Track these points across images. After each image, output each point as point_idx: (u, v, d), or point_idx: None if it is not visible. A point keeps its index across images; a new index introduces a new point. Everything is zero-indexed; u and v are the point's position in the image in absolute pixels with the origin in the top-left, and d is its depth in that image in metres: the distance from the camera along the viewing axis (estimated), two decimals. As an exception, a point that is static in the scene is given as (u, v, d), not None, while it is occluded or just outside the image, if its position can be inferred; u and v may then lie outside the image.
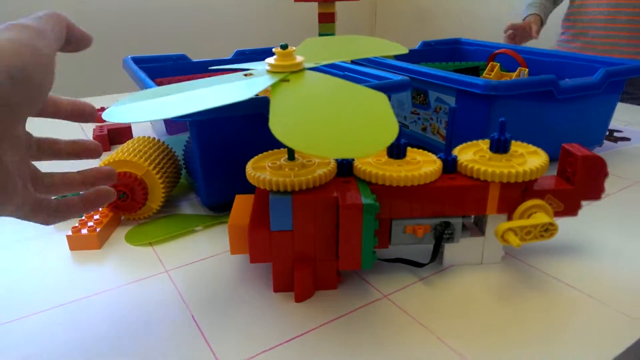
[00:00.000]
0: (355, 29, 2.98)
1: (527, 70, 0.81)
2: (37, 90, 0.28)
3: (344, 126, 0.33)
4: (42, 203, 0.35)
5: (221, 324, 0.40)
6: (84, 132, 0.94)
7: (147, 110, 0.37)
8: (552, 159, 0.48)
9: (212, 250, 0.51)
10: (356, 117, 0.34)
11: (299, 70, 0.39)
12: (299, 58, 0.39)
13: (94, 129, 0.86)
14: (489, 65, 0.84)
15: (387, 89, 0.58)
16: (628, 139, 0.85)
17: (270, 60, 0.39)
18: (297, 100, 0.35)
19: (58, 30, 0.31)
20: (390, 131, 0.32)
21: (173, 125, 0.64)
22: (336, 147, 0.31)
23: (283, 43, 0.39)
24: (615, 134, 0.88)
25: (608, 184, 0.53)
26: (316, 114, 0.34)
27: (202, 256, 0.50)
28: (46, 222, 0.36)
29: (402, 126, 0.81)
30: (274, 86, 0.37)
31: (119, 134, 0.84)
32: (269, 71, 0.39)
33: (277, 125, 0.32)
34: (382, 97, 0.36)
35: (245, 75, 0.41)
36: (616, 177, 0.68)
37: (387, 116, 0.34)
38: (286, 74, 0.38)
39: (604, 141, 0.83)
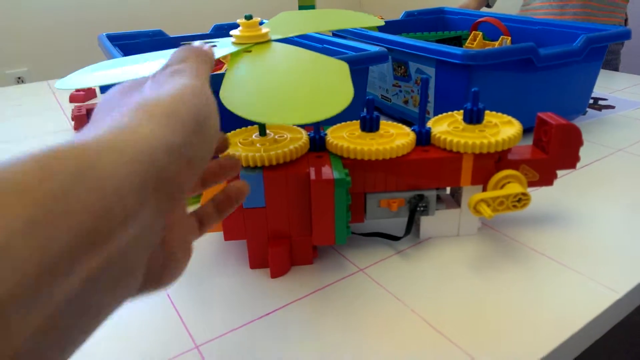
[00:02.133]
0: (340, 3, 2.92)
1: (509, 38, 0.80)
2: (215, 137, 0.25)
3: (297, 93, 0.32)
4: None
5: (196, 301, 0.40)
6: (62, 111, 0.92)
7: (98, 77, 0.36)
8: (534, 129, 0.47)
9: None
10: (311, 84, 0.34)
11: (264, 41, 0.38)
12: (265, 29, 0.38)
13: (72, 109, 0.84)
14: (472, 34, 0.83)
15: (364, 60, 0.57)
16: (612, 107, 0.85)
17: (235, 31, 0.38)
18: (253, 69, 0.35)
19: (207, 69, 0.28)
20: (344, 96, 0.32)
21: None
22: (286, 113, 0.30)
23: (247, 14, 0.38)
24: (600, 102, 0.87)
25: (590, 152, 0.53)
26: (270, 81, 0.33)
27: (180, 235, 0.50)
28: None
29: (384, 99, 0.80)
30: (233, 55, 0.36)
31: (98, 114, 0.82)
32: (233, 43, 0.38)
33: (227, 93, 0.32)
34: (342, 65, 0.36)
35: (212, 46, 0.40)
36: (598, 144, 0.67)
37: (343, 82, 0.34)
38: (249, 45, 0.37)
39: (588, 109, 0.83)
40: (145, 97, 0.22)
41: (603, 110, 0.83)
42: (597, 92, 0.93)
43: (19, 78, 2.11)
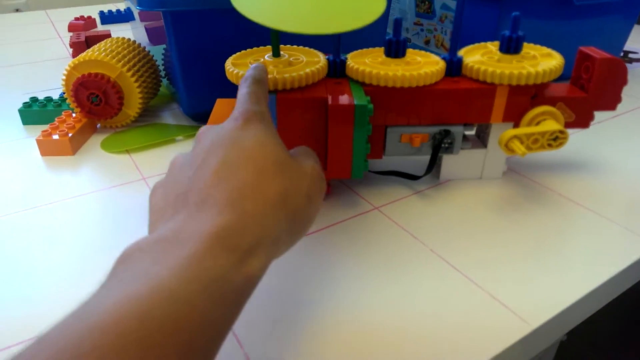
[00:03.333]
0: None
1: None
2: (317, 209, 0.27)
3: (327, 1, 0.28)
4: None
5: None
6: (61, 39, 0.87)
7: None
8: (565, 77, 0.43)
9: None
10: None
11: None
12: None
13: (70, 36, 0.79)
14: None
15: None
16: (643, 60, 0.80)
17: None
18: None
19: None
20: (378, 2, 0.27)
21: (155, 33, 0.58)
22: (314, 21, 0.26)
23: None
24: (631, 55, 0.82)
25: (621, 103, 0.49)
26: None
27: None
28: None
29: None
30: None
31: (97, 41, 0.77)
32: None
33: (241, 3, 0.27)
34: None
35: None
36: (629, 97, 0.63)
37: None
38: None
39: (618, 61, 0.78)
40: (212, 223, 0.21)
41: (634, 63, 0.79)
42: (627, 45, 0.87)
43: (17, 10, 2.03)
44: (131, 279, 0.18)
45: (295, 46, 0.42)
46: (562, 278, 0.33)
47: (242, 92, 0.28)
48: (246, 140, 0.24)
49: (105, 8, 1.06)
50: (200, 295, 0.18)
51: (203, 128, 0.27)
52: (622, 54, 0.81)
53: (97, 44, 0.53)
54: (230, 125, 0.25)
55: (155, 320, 0.17)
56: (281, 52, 0.40)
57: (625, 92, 0.41)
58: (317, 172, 0.27)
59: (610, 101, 0.41)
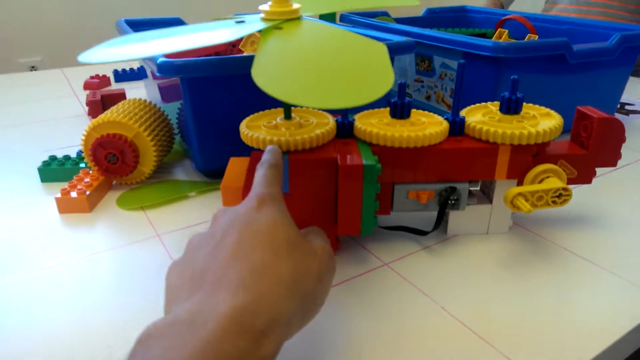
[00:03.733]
0: None
1: (536, 37, 0.77)
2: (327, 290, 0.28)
3: (334, 75, 0.30)
4: None
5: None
6: (77, 97, 0.91)
7: (125, 50, 0.34)
8: (563, 130, 0.45)
9: (206, 215, 0.49)
10: (349, 66, 0.31)
11: (294, 18, 0.36)
12: (296, 5, 0.36)
13: (87, 95, 0.83)
14: (497, 32, 0.81)
15: (391, 50, 0.55)
16: (640, 112, 0.82)
17: (265, 6, 0.36)
18: (286, 48, 0.33)
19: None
20: (385, 80, 0.30)
21: (168, 91, 0.61)
22: (324, 97, 0.28)
23: (279, -12, 0.36)
24: (627, 107, 0.85)
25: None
26: (305, 61, 0.31)
27: (196, 222, 0.48)
28: None
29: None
30: (264, 32, 0.34)
31: (112, 100, 0.81)
32: (262, 19, 0.36)
33: (260, 72, 0.29)
34: (380, 46, 0.34)
35: (237, 22, 0.38)
36: (628, 149, 0.65)
37: (383, 64, 0.31)
38: (279, 22, 0.35)
39: (615, 114, 0.80)
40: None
41: (630, 115, 0.81)
42: (624, 97, 0.90)
43: (33, 67, 2.11)
44: None
45: (305, 108, 0.44)
46: (573, 336, 0.33)
47: (258, 175, 0.30)
48: (260, 221, 0.26)
49: (119, 67, 1.11)
50: None
51: (220, 209, 0.28)
52: (618, 106, 0.84)
53: (115, 106, 0.56)
54: (246, 207, 0.27)
55: None
56: (292, 115, 0.42)
57: (624, 145, 0.42)
58: (327, 251, 0.28)
59: (611, 158, 0.42)
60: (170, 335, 0.20)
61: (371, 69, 0.31)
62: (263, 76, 0.29)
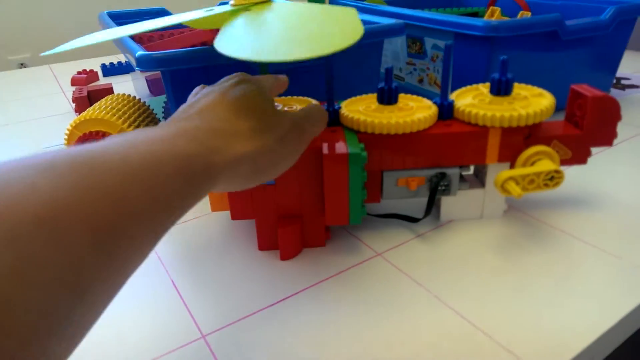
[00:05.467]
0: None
1: (529, 14, 0.75)
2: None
3: (302, 30, 0.30)
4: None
5: (202, 289, 0.37)
6: (64, 94, 0.89)
7: (93, 37, 0.33)
8: (558, 108, 0.44)
9: (192, 213, 0.48)
10: (318, 23, 0.31)
11: (264, 1, 0.35)
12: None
13: (73, 91, 0.81)
14: (489, 10, 0.79)
15: (379, 33, 0.54)
16: (637, 86, 0.80)
17: (235, -7, 0.35)
18: (253, 20, 0.32)
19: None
20: (354, 30, 0.30)
21: (156, 84, 0.59)
22: (290, 47, 0.28)
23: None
24: (623, 82, 0.83)
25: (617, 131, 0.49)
26: (272, 25, 0.31)
27: (182, 219, 0.47)
28: None
29: (397, 79, 0.76)
30: (231, 13, 0.33)
31: (100, 95, 0.79)
32: (232, 5, 0.35)
33: (223, 40, 0.29)
34: (350, 10, 0.33)
35: (206, 10, 0.37)
36: (625, 124, 0.64)
37: (353, 19, 0.32)
38: (248, 4, 0.34)
39: (611, 89, 0.79)
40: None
41: (627, 90, 0.79)
42: (619, 72, 0.88)
43: (22, 64, 2.09)
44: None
45: (289, 97, 0.43)
46: (570, 321, 0.32)
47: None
48: (234, 93, 0.29)
49: (107, 61, 1.09)
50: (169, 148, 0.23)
51: (200, 86, 0.33)
52: (614, 81, 0.82)
53: (98, 102, 0.54)
54: (224, 84, 0.31)
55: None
56: (275, 103, 0.40)
57: (622, 120, 0.41)
58: (297, 125, 0.32)
59: (606, 137, 0.41)
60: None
61: (341, 22, 0.31)
62: (226, 41, 0.29)
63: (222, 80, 0.32)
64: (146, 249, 0.21)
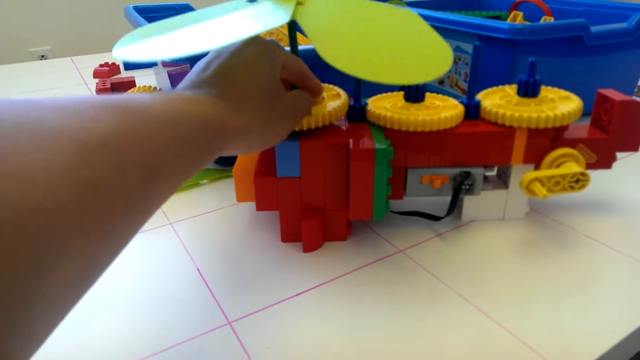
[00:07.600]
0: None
1: (552, 18, 0.75)
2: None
3: (402, 52, 0.33)
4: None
5: (227, 277, 0.38)
6: (87, 86, 0.91)
7: (153, 49, 0.33)
8: (583, 112, 0.44)
9: (217, 203, 0.49)
10: (405, 41, 0.34)
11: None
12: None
13: (96, 83, 0.83)
14: (511, 14, 0.79)
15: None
16: (658, 95, 0.80)
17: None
18: (329, 24, 0.33)
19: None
20: (445, 57, 0.32)
21: (178, 79, 0.60)
22: (403, 73, 0.31)
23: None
24: (645, 90, 0.83)
25: None
26: (360, 37, 0.33)
27: (207, 209, 0.48)
28: None
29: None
30: (295, 13, 0.33)
31: (122, 88, 0.81)
32: (277, -1, 0.35)
33: (330, 54, 0.29)
34: (414, 15, 0.36)
35: (249, 1, 0.37)
36: (646, 132, 0.63)
37: (437, 41, 0.34)
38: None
39: (634, 96, 0.78)
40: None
41: (649, 99, 0.79)
42: (641, 80, 0.88)
43: (42, 56, 2.11)
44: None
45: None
46: (592, 324, 0.32)
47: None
48: (243, 52, 0.31)
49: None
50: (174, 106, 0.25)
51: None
52: (636, 89, 0.82)
53: (126, 93, 0.55)
54: (239, 45, 0.32)
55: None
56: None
57: (644, 130, 0.41)
58: (297, 104, 0.35)
59: (632, 142, 0.41)
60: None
61: (427, 44, 0.34)
62: (336, 58, 0.29)
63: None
64: (170, 192, 0.24)
